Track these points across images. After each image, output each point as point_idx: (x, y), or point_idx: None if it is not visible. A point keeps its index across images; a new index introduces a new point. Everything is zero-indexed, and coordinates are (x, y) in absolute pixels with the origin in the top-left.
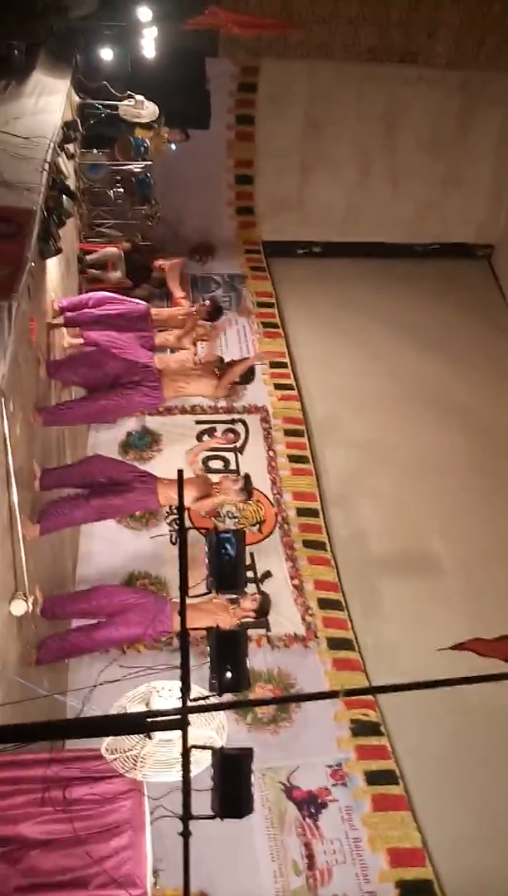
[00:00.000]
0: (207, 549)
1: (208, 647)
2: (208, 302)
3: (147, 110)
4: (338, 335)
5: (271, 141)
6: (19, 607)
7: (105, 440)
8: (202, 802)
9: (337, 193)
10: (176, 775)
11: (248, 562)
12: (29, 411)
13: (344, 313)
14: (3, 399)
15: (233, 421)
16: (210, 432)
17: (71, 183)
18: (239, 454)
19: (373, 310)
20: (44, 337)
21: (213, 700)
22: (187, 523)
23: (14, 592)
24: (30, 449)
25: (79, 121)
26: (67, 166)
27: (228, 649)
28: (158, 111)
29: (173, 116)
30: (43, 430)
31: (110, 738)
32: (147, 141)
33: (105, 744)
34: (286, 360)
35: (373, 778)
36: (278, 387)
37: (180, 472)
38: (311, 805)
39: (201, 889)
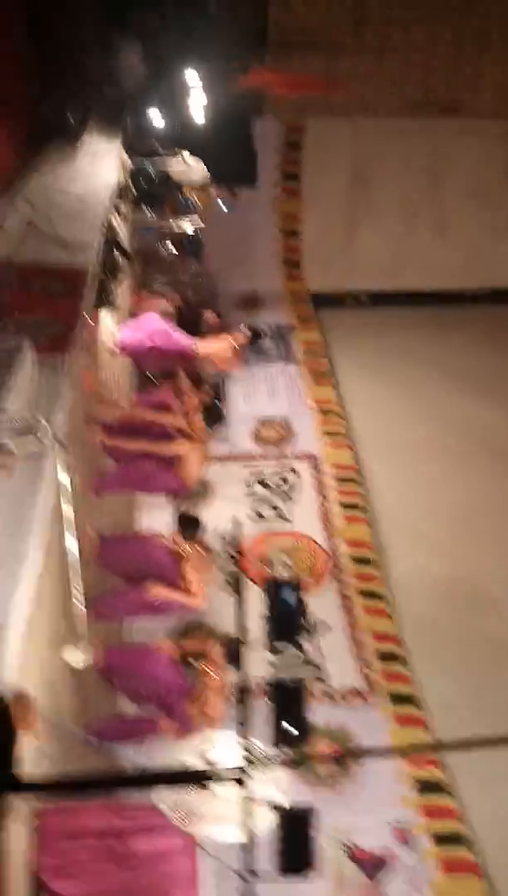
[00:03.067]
0: (266, 598)
1: (269, 700)
2: (244, 328)
3: (196, 170)
4: (388, 382)
5: (317, 195)
6: (75, 657)
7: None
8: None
9: (384, 244)
10: (233, 832)
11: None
12: (84, 465)
13: (394, 361)
14: (60, 448)
15: (283, 468)
16: (261, 480)
17: (123, 242)
18: (290, 502)
19: (423, 357)
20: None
21: (273, 756)
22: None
23: (70, 643)
24: (85, 508)
25: (130, 182)
26: (119, 226)
27: (289, 703)
28: (206, 170)
29: (222, 175)
30: (99, 500)
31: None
32: (196, 200)
33: (162, 796)
34: (336, 407)
35: (441, 840)
36: (328, 434)
37: (235, 519)
38: (374, 867)
39: None
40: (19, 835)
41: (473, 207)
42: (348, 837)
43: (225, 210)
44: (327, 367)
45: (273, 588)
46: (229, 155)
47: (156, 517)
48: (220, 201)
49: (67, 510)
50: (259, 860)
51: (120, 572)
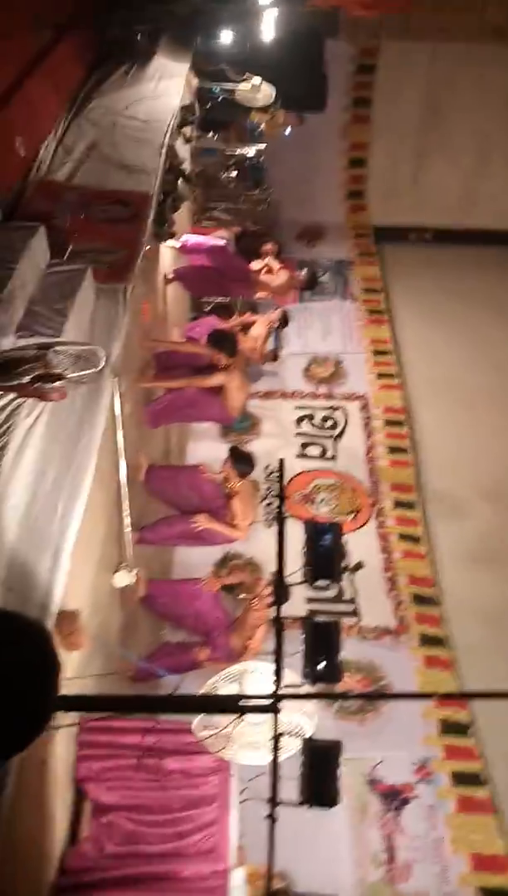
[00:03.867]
0: (304, 538)
1: (302, 637)
2: (303, 272)
3: (263, 94)
4: (447, 325)
5: (388, 124)
6: (123, 579)
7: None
8: (288, 786)
9: (454, 179)
10: (264, 757)
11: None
12: (138, 394)
13: (455, 302)
14: (115, 378)
15: (332, 408)
16: (309, 418)
17: (187, 166)
18: (337, 442)
19: (486, 300)
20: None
21: (304, 689)
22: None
23: (118, 564)
24: (138, 437)
25: (196, 104)
26: (183, 150)
27: (322, 640)
28: (274, 94)
29: (289, 99)
30: (151, 431)
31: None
32: (262, 124)
33: (197, 720)
34: (391, 347)
35: (459, 779)
36: (380, 375)
37: (281, 460)
38: (394, 799)
39: (283, 869)
40: (63, 747)
41: None
42: (371, 770)
43: (290, 135)
44: (384, 306)
45: (312, 530)
46: (299, 78)
47: (207, 450)
48: (286, 127)
49: (120, 438)
50: (286, 788)
51: (169, 501)
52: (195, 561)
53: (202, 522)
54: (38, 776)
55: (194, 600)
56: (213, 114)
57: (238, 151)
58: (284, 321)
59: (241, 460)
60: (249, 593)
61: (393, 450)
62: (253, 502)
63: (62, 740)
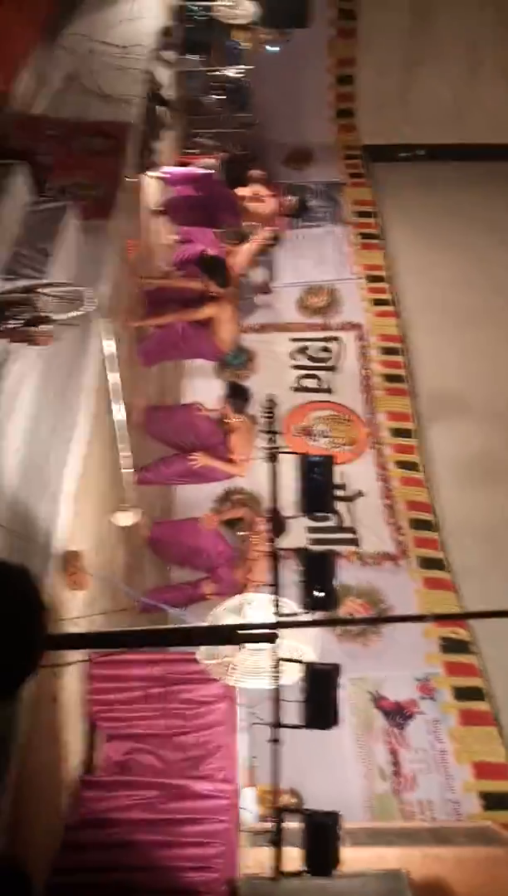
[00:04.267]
0: (297, 472)
1: (299, 567)
2: (292, 198)
3: (244, 10)
4: (441, 245)
5: (375, 37)
6: (125, 518)
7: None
8: (293, 708)
9: (445, 91)
10: (267, 683)
11: (339, 481)
12: (129, 334)
13: (449, 221)
14: (105, 318)
15: (328, 339)
16: (304, 350)
17: (168, 92)
18: (333, 373)
19: (481, 217)
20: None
21: (302, 617)
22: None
23: (119, 505)
24: (131, 378)
25: (175, 25)
26: (163, 75)
27: (317, 570)
28: (255, 11)
29: (272, 16)
30: (145, 372)
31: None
32: (244, 43)
33: (201, 649)
34: (384, 273)
35: (461, 694)
36: (375, 302)
37: (271, 399)
38: (398, 715)
39: (292, 786)
40: (73, 682)
41: None
42: (374, 688)
43: (274, 53)
44: (377, 230)
45: (304, 464)
46: None
47: (203, 388)
48: (269, 44)
49: (113, 379)
50: (288, 711)
51: (166, 441)
52: (196, 498)
53: (200, 460)
54: (51, 711)
55: (196, 538)
56: (193, 35)
57: (221, 73)
58: (302, 206)
59: (237, 395)
60: (248, 528)
61: (390, 378)
62: (251, 437)
63: (72, 675)
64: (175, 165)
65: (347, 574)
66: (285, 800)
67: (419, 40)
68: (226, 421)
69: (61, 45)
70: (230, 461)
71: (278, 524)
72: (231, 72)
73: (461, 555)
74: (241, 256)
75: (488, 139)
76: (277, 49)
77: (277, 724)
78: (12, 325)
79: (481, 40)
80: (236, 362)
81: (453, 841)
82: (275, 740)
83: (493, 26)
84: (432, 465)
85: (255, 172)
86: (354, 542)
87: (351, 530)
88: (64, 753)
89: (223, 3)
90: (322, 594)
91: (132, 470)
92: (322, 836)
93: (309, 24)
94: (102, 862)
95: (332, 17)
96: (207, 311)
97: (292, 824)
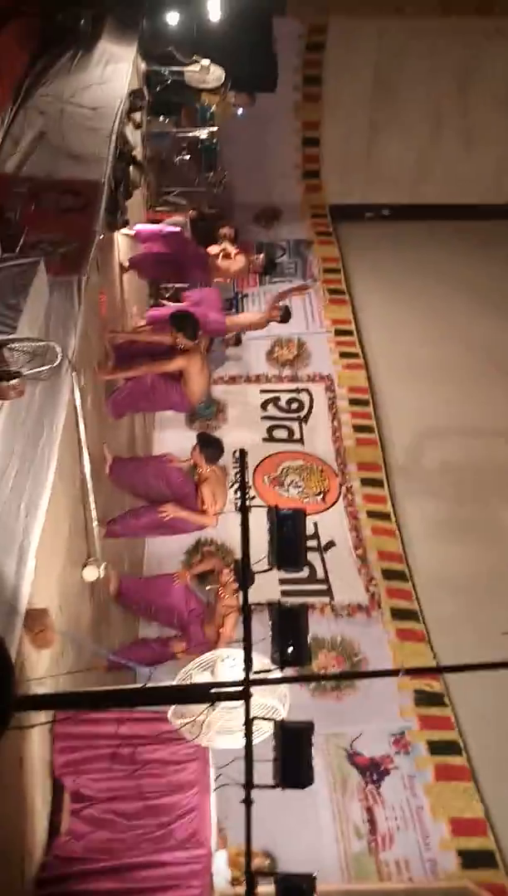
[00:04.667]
0: (268, 525)
1: (270, 622)
2: (261, 257)
3: (213, 75)
4: (407, 301)
5: (339, 101)
6: (91, 573)
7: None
8: (266, 766)
9: (407, 154)
10: (240, 742)
11: (311, 531)
12: (99, 387)
13: (414, 278)
14: (74, 372)
15: (297, 390)
16: (275, 401)
17: (138, 152)
18: (303, 424)
19: (445, 274)
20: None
21: (275, 674)
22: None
23: (86, 559)
24: (101, 430)
25: (145, 88)
26: (133, 136)
27: (289, 624)
28: (223, 75)
29: (240, 80)
30: (115, 424)
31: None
32: (213, 106)
33: (172, 708)
34: (352, 327)
35: (436, 748)
36: (343, 355)
37: (242, 451)
38: (373, 772)
39: (265, 848)
40: (39, 743)
41: (502, 117)
42: (349, 744)
43: (243, 116)
44: (344, 285)
45: (274, 518)
46: (248, 58)
47: (173, 439)
48: (238, 108)
49: (82, 432)
50: (263, 770)
51: (136, 492)
52: (167, 551)
53: (170, 511)
54: (16, 773)
55: (167, 595)
56: (162, 97)
57: (190, 134)
58: (270, 264)
59: (209, 445)
60: (217, 581)
61: (359, 428)
62: (223, 488)
63: (37, 736)
64: (145, 223)
65: (320, 627)
66: (259, 861)
67: (382, 105)
68: (198, 471)
69: (33, 105)
70: (201, 512)
71: (244, 577)
72: (200, 133)
73: (434, 606)
74: (227, 264)
75: (450, 199)
76: (245, 112)
77: (250, 785)
78: None
79: (442, 106)
80: (206, 413)
81: None
82: (248, 801)
83: (453, 93)
84: (403, 515)
85: (224, 230)
86: (327, 593)
87: (324, 581)
88: (29, 817)
89: (192, 68)
90: (294, 649)
91: (99, 524)
92: None
93: (276, 88)
94: None
95: (297, 82)
96: (176, 363)
97: (267, 888)
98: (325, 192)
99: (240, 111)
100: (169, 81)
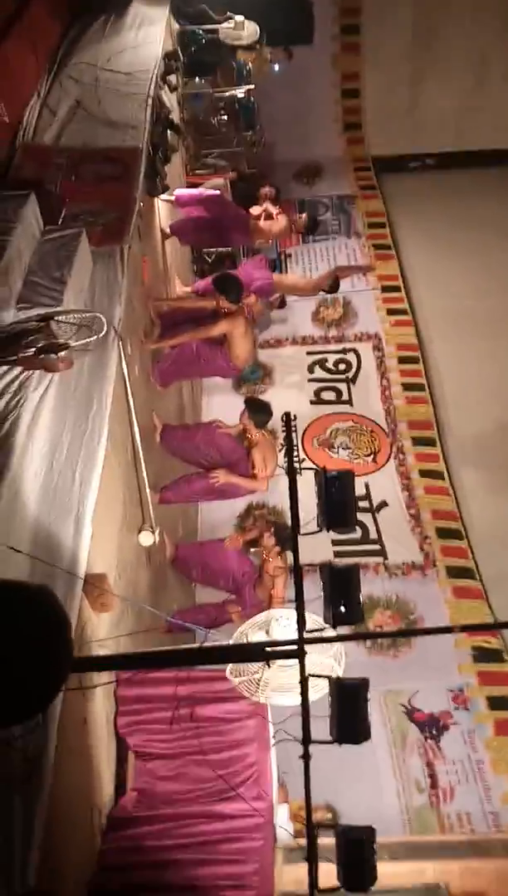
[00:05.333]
0: (316, 488)
1: (322, 582)
2: (304, 216)
3: (247, 31)
4: (455, 254)
5: (379, 50)
6: (147, 539)
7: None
8: (325, 723)
9: (452, 100)
10: (296, 699)
11: (363, 492)
12: (146, 356)
13: (462, 230)
14: (120, 342)
15: (344, 350)
16: (322, 363)
17: (175, 116)
18: (351, 385)
19: (494, 224)
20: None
21: (329, 632)
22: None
23: (141, 525)
24: (149, 399)
25: (179, 50)
26: (169, 99)
27: (341, 584)
28: (258, 31)
29: (275, 34)
30: (163, 392)
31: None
32: (249, 63)
33: (229, 667)
34: (400, 283)
35: (496, 703)
36: (390, 312)
37: (288, 413)
38: (433, 727)
39: (327, 801)
40: (102, 703)
41: None
42: (407, 700)
43: (280, 71)
44: (390, 240)
45: (323, 479)
46: (283, 11)
47: (221, 405)
48: (274, 63)
49: (130, 401)
50: (321, 726)
51: (187, 459)
52: (220, 516)
53: (221, 477)
54: (81, 734)
55: (222, 560)
56: (198, 57)
57: (227, 94)
58: (313, 223)
59: (258, 410)
60: (259, 546)
61: (409, 387)
62: (273, 452)
63: (100, 697)
64: (185, 187)
65: (374, 586)
66: (321, 815)
67: (423, 50)
68: (247, 436)
69: (68, 73)
70: (253, 477)
71: (285, 537)
72: (237, 92)
73: (490, 563)
74: (269, 225)
75: (496, 144)
76: (282, 67)
77: (307, 741)
78: (30, 353)
79: (485, 48)
80: (253, 378)
81: (492, 853)
82: (306, 756)
83: (497, 34)
84: (456, 473)
85: (265, 190)
86: (380, 553)
87: (377, 542)
88: (96, 774)
89: (226, 25)
90: (346, 608)
91: (152, 490)
92: (357, 851)
93: (313, 40)
94: (138, 882)
95: (335, 32)
96: (220, 328)
97: (328, 840)
98: (367, 144)
99: (276, 67)
100: (203, 41)
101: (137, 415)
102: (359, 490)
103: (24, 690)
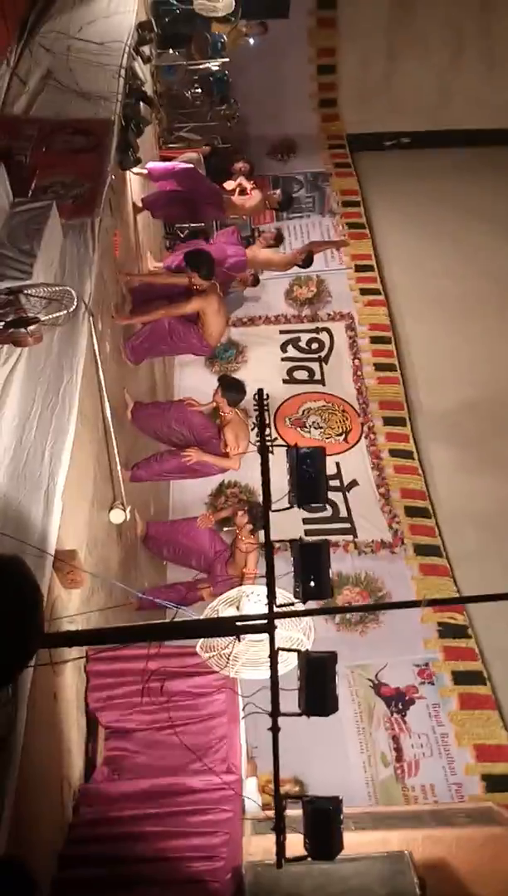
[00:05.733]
0: (288, 464)
1: (292, 558)
2: (278, 192)
3: (223, 3)
4: (429, 234)
5: (355, 25)
6: (118, 516)
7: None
8: (293, 697)
9: (428, 78)
10: (265, 673)
11: (334, 472)
12: (117, 331)
13: (436, 209)
14: (90, 317)
15: (317, 330)
16: (294, 342)
17: (148, 88)
18: (324, 364)
19: (468, 204)
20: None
21: (298, 607)
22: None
23: (112, 503)
24: (121, 375)
25: (153, 20)
26: (142, 70)
27: (311, 560)
28: (233, 3)
29: (251, 7)
30: (135, 369)
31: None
32: (224, 36)
33: (200, 642)
34: (373, 262)
35: (460, 678)
36: (364, 292)
37: (261, 390)
38: (398, 701)
39: (295, 775)
40: (73, 679)
41: None
42: (374, 675)
43: (255, 45)
44: (363, 219)
45: (294, 456)
46: None
47: (194, 382)
48: (250, 37)
49: (101, 377)
50: (290, 700)
51: (159, 437)
52: (191, 495)
53: (193, 455)
54: (51, 709)
55: (192, 538)
56: (171, 29)
57: (201, 67)
58: (287, 199)
59: (231, 389)
60: (233, 525)
61: (380, 367)
62: (246, 431)
63: (71, 673)
64: (158, 161)
65: (343, 564)
66: (289, 787)
67: (400, 28)
68: (220, 414)
69: (38, 43)
70: (225, 455)
71: (256, 516)
72: (212, 65)
73: (457, 541)
74: (242, 201)
75: (472, 124)
76: (257, 41)
77: (275, 713)
78: None
79: (463, 26)
80: (225, 356)
81: (454, 822)
82: (275, 728)
83: (475, 12)
84: (426, 452)
85: (239, 165)
86: (350, 531)
87: (347, 520)
88: (66, 749)
89: None
90: (315, 583)
91: (124, 468)
92: (324, 820)
93: (288, 14)
94: (108, 854)
95: (311, 7)
96: (193, 305)
97: (296, 812)
98: (342, 121)
99: (252, 40)
100: (177, 11)
101: (109, 391)
102: (330, 469)
103: None
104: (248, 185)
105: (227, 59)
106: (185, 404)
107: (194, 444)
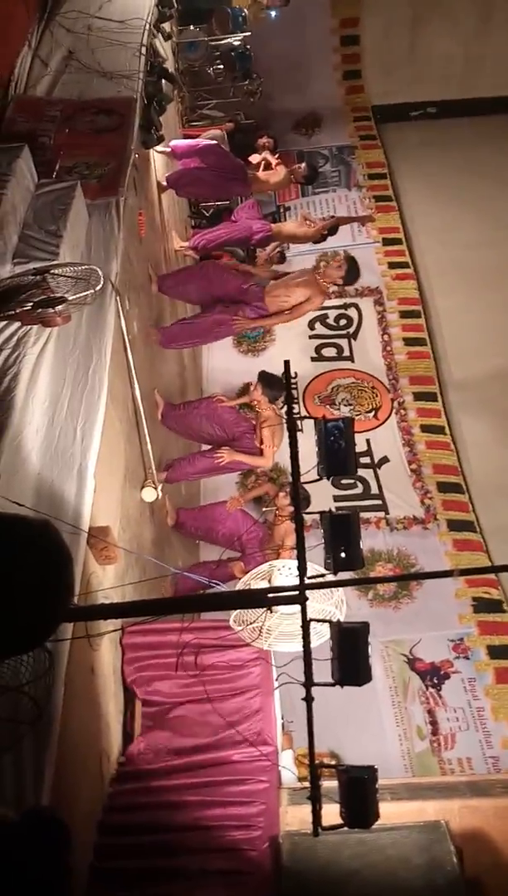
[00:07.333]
0: (316, 437)
1: (323, 530)
2: (303, 166)
3: None
4: (458, 204)
5: None
6: (150, 494)
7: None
8: (327, 669)
9: (454, 46)
10: (298, 645)
11: (364, 448)
12: (145, 310)
13: (465, 179)
14: (117, 296)
15: (345, 306)
16: (322, 319)
17: (169, 65)
18: (352, 340)
19: (497, 174)
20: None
21: (329, 578)
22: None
23: (144, 481)
24: (148, 354)
25: None
26: (163, 47)
27: (341, 530)
28: None
29: None
30: (164, 364)
31: (238, 610)
32: (245, 10)
33: (233, 615)
34: (401, 235)
35: (496, 652)
36: (392, 265)
37: (287, 362)
38: (434, 676)
39: (331, 749)
40: (109, 652)
41: None
42: (408, 650)
43: (276, 18)
44: (391, 191)
45: (322, 428)
46: None
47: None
48: (271, 10)
49: (128, 356)
50: (321, 672)
51: (190, 435)
52: (222, 478)
53: (226, 456)
54: (88, 683)
55: (223, 522)
56: (191, 4)
57: (223, 42)
58: (313, 173)
59: (272, 385)
60: (272, 505)
61: (410, 342)
62: (281, 429)
63: (107, 647)
64: (181, 138)
65: (376, 540)
66: (325, 760)
67: None
68: (258, 411)
69: (59, 23)
70: (259, 452)
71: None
72: (233, 40)
73: (491, 516)
74: (266, 175)
75: (500, 91)
76: (278, 14)
77: (309, 683)
78: (27, 308)
79: None
80: (253, 336)
81: (490, 792)
82: (309, 698)
83: None
84: (458, 427)
85: (263, 140)
86: (381, 507)
87: (378, 496)
88: (104, 723)
89: None
90: (346, 554)
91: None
92: (359, 788)
93: None
94: (146, 822)
95: None
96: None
97: (332, 782)
98: (367, 92)
99: (273, 13)
100: None
101: (137, 371)
102: (361, 447)
103: (22, 619)
104: (273, 159)
105: (248, 34)
106: (214, 401)
107: (226, 441)
